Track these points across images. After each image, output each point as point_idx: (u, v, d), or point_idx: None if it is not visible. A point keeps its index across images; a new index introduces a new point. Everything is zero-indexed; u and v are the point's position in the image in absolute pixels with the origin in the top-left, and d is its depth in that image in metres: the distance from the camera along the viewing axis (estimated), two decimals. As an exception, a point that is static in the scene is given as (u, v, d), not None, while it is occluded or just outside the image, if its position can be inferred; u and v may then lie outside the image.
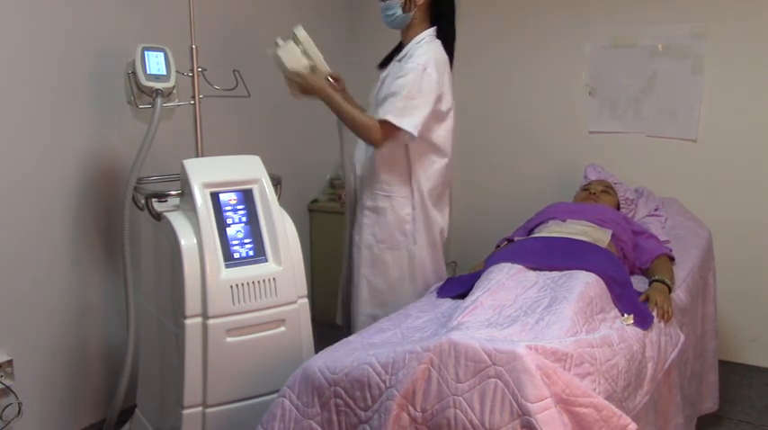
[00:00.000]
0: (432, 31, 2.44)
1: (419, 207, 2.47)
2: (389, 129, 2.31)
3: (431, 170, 2.46)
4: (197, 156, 2.38)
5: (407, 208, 2.46)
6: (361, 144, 2.53)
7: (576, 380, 1.53)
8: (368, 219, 2.50)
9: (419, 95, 2.30)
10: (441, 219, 2.54)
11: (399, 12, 2.39)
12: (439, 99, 2.36)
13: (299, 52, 2.37)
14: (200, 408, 2.03)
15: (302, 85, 2.36)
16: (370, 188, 2.48)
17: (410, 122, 2.29)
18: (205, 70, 2.43)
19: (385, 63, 2.56)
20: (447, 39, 2.46)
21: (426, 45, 2.39)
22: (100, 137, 2.58)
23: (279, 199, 2.20)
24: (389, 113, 2.29)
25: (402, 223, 2.46)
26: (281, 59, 2.33)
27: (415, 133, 2.30)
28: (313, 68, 2.38)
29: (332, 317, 2.76)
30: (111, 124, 2.60)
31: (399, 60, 2.43)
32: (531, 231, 2.65)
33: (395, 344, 1.70)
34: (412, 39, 2.43)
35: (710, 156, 3.16)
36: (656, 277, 2.25)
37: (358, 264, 2.53)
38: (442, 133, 2.44)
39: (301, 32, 2.38)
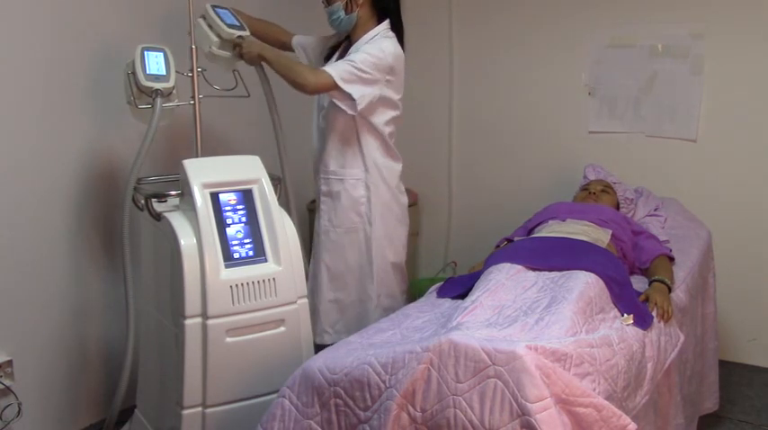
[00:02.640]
0: (385, 26, 2.46)
1: (376, 188, 2.50)
2: (328, 84, 2.32)
3: (381, 149, 2.51)
4: (197, 157, 2.38)
5: (361, 189, 2.50)
6: (314, 134, 2.60)
7: (576, 380, 1.53)
8: (324, 205, 2.55)
9: (372, 72, 2.35)
10: (403, 200, 2.61)
11: (343, 14, 2.42)
12: (389, 84, 2.42)
13: (207, 31, 2.43)
14: (199, 409, 2.03)
15: (244, 55, 2.40)
16: (324, 173, 2.53)
17: (356, 91, 2.33)
18: (205, 70, 2.43)
19: (330, 55, 2.58)
20: (399, 32, 2.50)
21: (382, 40, 2.41)
22: (100, 137, 2.58)
23: (278, 199, 2.20)
24: (336, 72, 2.30)
25: (357, 205, 2.50)
26: (213, 54, 2.43)
27: (357, 98, 2.33)
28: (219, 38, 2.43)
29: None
30: (111, 124, 2.60)
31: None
32: (530, 231, 2.65)
33: (394, 345, 1.70)
34: (361, 37, 2.46)
35: (710, 156, 3.16)
36: (656, 277, 2.24)
37: (318, 251, 2.56)
38: (386, 118, 2.48)
39: (207, 12, 2.44)
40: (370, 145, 2.49)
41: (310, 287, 2.56)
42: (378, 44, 2.39)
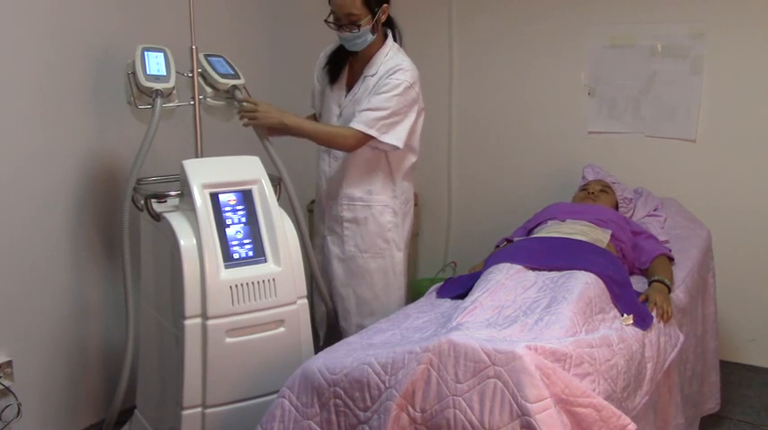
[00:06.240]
0: (391, 41, 2.47)
1: (403, 212, 2.51)
2: (367, 140, 2.35)
3: (408, 171, 2.53)
4: (196, 157, 2.38)
5: (388, 215, 2.49)
6: (324, 158, 2.55)
7: (576, 381, 1.53)
8: (349, 231, 2.51)
9: (403, 110, 2.36)
10: (411, 208, 2.61)
11: (370, 36, 2.39)
12: (419, 104, 2.43)
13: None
14: (199, 409, 2.03)
15: (260, 120, 2.33)
16: (347, 200, 2.49)
17: (395, 137, 2.36)
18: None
19: (337, 72, 2.52)
20: (401, 40, 2.51)
21: (398, 57, 2.42)
22: (100, 137, 2.58)
23: (278, 199, 2.20)
24: (373, 128, 2.32)
25: (384, 231, 2.49)
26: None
27: (401, 146, 2.37)
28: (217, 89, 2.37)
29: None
30: (111, 125, 2.60)
31: (373, 75, 2.41)
32: (530, 231, 2.65)
33: (394, 345, 1.70)
34: (376, 52, 2.44)
35: (710, 156, 3.16)
36: (656, 277, 2.25)
37: (343, 276, 2.53)
38: (418, 133, 2.50)
39: (200, 61, 2.35)
40: (401, 168, 2.49)
41: (345, 308, 2.54)
42: (398, 76, 2.35)
